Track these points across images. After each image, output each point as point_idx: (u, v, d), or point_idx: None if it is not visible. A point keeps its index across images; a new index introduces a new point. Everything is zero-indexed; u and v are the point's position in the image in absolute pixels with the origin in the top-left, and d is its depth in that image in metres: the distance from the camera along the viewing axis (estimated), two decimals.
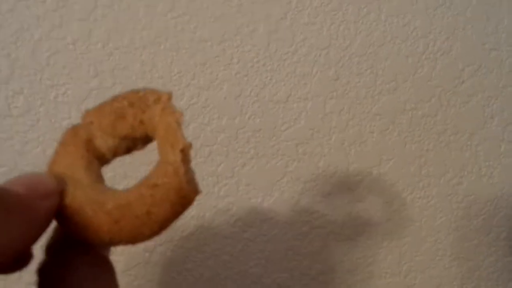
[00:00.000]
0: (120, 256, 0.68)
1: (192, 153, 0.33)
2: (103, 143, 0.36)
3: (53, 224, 0.32)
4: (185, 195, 0.32)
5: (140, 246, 0.69)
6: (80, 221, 0.32)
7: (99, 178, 0.35)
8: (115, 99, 0.37)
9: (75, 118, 0.64)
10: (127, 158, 0.38)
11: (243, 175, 0.71)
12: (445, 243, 0.81)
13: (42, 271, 0.33)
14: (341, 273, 0.77)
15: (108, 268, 0.34)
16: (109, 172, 0.43)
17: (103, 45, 0.64)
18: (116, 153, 0.36)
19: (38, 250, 0.33)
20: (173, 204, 0.32)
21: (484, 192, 0.82)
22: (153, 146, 0.35)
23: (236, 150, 0.70)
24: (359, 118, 0.74)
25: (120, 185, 0.47)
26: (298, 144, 0.72)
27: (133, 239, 0.32)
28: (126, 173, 0.67)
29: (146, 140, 0.36)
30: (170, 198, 0.32)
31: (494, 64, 0.79)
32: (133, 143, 0.36)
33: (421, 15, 0.75)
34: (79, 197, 0.32)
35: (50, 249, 0.34)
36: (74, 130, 0.36)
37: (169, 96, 0.34)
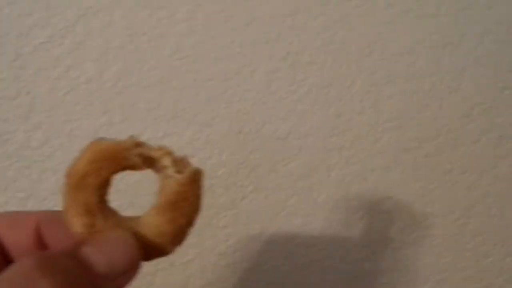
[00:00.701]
0: None
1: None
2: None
3: None
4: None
5: (142, 270, 0.76)
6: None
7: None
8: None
9: None
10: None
11: (242, 207, 0.77)
12: (451, 284, 0.83)
13: None
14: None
15: None
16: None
17: (113, 84, 0.72)
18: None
19: None
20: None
21: (494, 233, 0.83)
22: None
23: (236, 184, 0.76)
24: (361, 156, 0.78)
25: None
26: (298, 179, 0.77)
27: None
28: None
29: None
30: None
31: (506, 102, 0.80)
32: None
33: (427, 54, 0.77)
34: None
35: None
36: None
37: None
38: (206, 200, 0.76)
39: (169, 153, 0.39)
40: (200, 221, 0.75)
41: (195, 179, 0.39)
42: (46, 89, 0.71)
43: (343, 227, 0.79)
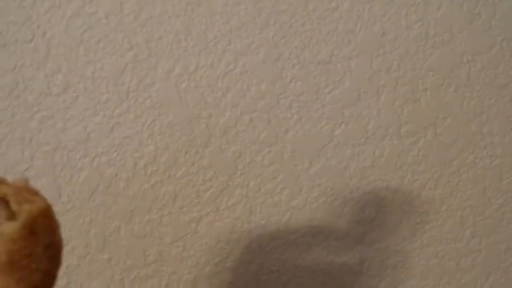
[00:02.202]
0: (166, 227, 0.76)
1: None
2: None
3: None
4: None
5: (186, 217, 0.76)
6: None
7: None
8: None
9: (113, 92, 0.71)
10: None
11: (287, 141, 0.76)
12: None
13: None
14: (397, 241, 0.81)
15: None
16: None
17: (135, 17, 0.70)
18: None
19: None
20: None
21: None
22: None
23: (278, 116, 0.75)
24: (410, 75, 0.76)
25: None
26: (345, 106, 0.76)
27: None
28: None
29: None
30: None
31: None
32: None
33: None
34: None
35: None
36: None
37: None
38: (248, 136, 0.76)
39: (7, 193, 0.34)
40: (241, 160, 0.76)
41: (32, 228, 0.33)
42: (62, 29, 0.69)
43: (396, 154, 0.78)
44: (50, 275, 0.36)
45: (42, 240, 0.34)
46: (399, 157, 0.79)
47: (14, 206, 0.34)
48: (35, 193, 0.37)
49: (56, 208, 0.73)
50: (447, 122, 0.79)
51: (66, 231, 0.76)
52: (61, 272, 0.73)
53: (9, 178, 0.42)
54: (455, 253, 0.84)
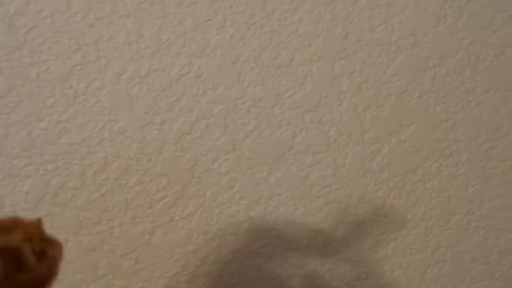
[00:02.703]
0: (117, 239, 0.73)
1: None
2: None
3: None
4: None
5: (138, 228, 0.73)
6: None
7: None
8: None
9: (60, 96, 0.68)
10: None
11: (245, 148, 0.74)
12: (478, 215, 0.83)
13: None
14: (360, 251, 0.80)
15: None
16: None
17: (83, 16, 0.67)
18: None
19: None
20: None
21: None
22: None
23: (235, 122, 0.73)
24: (374, 80, 0.75)
25: None
26: (305, 112, 0.74)
27: None
28: None
29: None
30: None
31: None
32: None
33: None
34: None
35: None
36: None
37: None
38: (204, 143, 0.73)
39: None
40: (197, 168, 0.74)
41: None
42: (4, 28, 0.66)
43: (359, 162, 0.77)
44: None
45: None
46: (362, 165, 0.77)
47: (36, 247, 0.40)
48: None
49: None
50: (412, 129, 0.78)
51: None
52: None
53: None
54: (420, 263, 0.83)
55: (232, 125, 0.72)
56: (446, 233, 0.82)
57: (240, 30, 0.70)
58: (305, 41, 0.72)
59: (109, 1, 0.66)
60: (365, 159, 0.77)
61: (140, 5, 0.67)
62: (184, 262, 0.75)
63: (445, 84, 0.77)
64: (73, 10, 0.66)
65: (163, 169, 0.72)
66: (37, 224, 0.41)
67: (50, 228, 0.72)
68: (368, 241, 0.80)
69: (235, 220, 0.75)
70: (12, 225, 0.40)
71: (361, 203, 0.78)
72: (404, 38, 0.75)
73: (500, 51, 0.78)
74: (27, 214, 0.70)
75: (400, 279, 0.83)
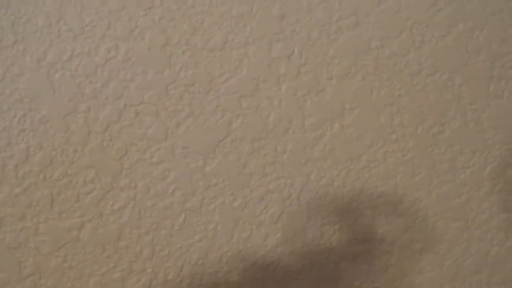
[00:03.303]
0: (43, 236, 0.70)
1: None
2: None
3: None
4: None
5: (66, 224, 0.70)
6: None
7: None
8: None
9: None
10: None
11: (178, 137, 0.71)
12: (426, 202, 0.82)
13: None
14: (304, 243, 0.78)
15: None
16: None
17: None
18: None
19: None
20: None
21: (471, 140, 0.81)
22: None
23: (167, 109, 0.70)
24: (314, 63, 0.73)
25: None
26: (242, 97, 0.72)
27: None
28: None
29: None
30: None
31: None
32: None
33: None
34: None
35: None
36: None
37: None
38: (133, 132, 0.70)
39: None
40: (127, 159, 0.71)
41: None
42: None
43: (300, 149, 0.75)
44: None
45: None
46: (303, 153, 0.75)
47: None
48: None
49: None
50: (355, 114, 0.76)
51: None
52: None
53: None
54: (366, 254, 0.82)
55: (164, 112, 0.69)
56: (392, 222, 0.81)
57: (169, 11, 0.67)
58: (239, 22, 0.69)
59: None
60: (307, 146, 0.75)
61: None
62: (117, 258, 0.72)
63: (388, 66, 0.75)
64: None
65: (90, 160, 0.69)
66: None
67: None
68: (311, 233, 0.78)
69: (170, 213, 0.73)
70: None
71: (304, 193, 0.76)
72: (345, 18, 0.73)
73: (446, 31, 0.76)
74: None
75: (346, 271, 0.81)
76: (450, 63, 0.77)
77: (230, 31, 0.69)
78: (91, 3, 0.65)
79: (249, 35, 0.70)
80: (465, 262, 0.85)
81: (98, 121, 0.68)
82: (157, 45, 0.67)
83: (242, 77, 0.71)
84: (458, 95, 0.78)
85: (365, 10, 0.73)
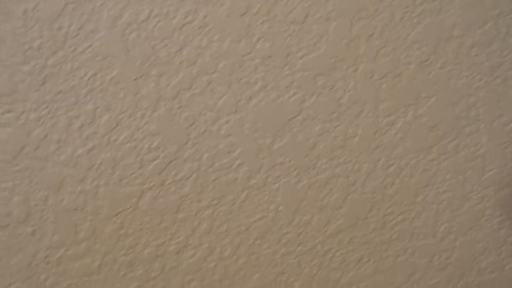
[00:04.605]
0: (102, 200, 0.69)
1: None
2: None
3: None
4: None
5: (126, 190, 0.69)
6: None
7: None
8: None
9: (48, 38, 0.63)
10: None
11: (249, 111, 0.70)
12: (494, 201, 0.80)
13: None
14: (364, 231, 0.77)
15: None
16: None
17: None
18: None
19: None
20: None
21: None
22: None
23: (240, 81, 0.69)
24: (393, 46, 0.71)
25: None
26: (317, 75, 0.70)
27: None
28: None
29: None
30: None
31: None
32: None
33: None
34: None
35: None
36: None
37: None
38: (204, 101, 0.69)
39: None
40: (194, 128, 0.70)
41: None
42: None
43: (370, 135, 0.73)
44: None
45: None
46: (373, 138, 0.74)
47: None
48: None
49: None
50: (430, 103, 0.74)
51: None
52: None
53: None
54: (427, 249, 0.80)
55: (237, 83, 0.68)
56: (457, 219, 0.79)
57: None
58: None
59: None
60: (378, 132, 0.74)
61: None
62: (174, 230, 0.72)
63: (469, 56, 0.73)
64: None
65: (157, 126, 0.68)
66: None
67: (29, 184, 0.69)
68: (373, 222, 0.77)
69: (232, 188, 0.72)
70: None
71: (369, 180, 0.75)
72: (429, 2, 0.71)
73: None
74: (4, 166, 0.66)
75: (404, 265, 0.80)
76: None
77: (312, 5, 0.67)
78: None
79: (332, 10, 0.68)
80: None
81: (169, 87, 0.67)
82: (236, 13, 0.66)
83: (320, 54, 0.69)
84: None
85: None
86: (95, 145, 0.67)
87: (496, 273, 0.82)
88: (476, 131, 0.76)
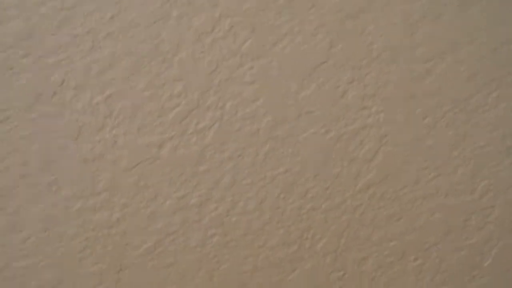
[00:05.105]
0: (121, 150, 0.67)
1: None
2: None
3: None
4: None
5: (145, 139, 0.67)
6: None
7: None
8: None
9: None
10: None
11: (274, 56, 0.67)
12: None
13: None
14: (397, 186, 0.73)
15: None
16: None
17: None
18: None
19: None
20: None
21: None
22: None
23: (265, 24, 0.65)
24: None
25: None
26: (346, 17, 0.66)
27: None
28: None
29: None
30: None
31: None
32: None
33: None
34: None
35: None
36: None
37: None
38: (226, 46, 0.66)
39: None
40: (217, 74, 0.67)
41: None
42: None
43: (405, 82, 0.69)
44: None
45: None
46: (407, 86, 0.69)
47: None
48: None
49: None
50: (470, 49, 0.69)
51: (2, 147, 0.68)
52: None
53: None
54: (464, 208, 0.76)
55: (261, 27, 0.65)
56: (497, 175, 0.75)
57: None
58: None
59: None
60: (413, 80, 0.69)
61: None
62: (195, 182, 0.69)
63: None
64: None
65: (179, 72, 0.65)
66: None
67: (46, 132, 0.67)
68: (406, 176, 0.73)
69: (256, 139, 0.69)
70: None
71: (403, 131, 0.71)
72: None
73: None
74: (21, 114, 0.64)
75: (439, 224, 0.76)
76: None
77: None
78: None
79: None
80: None
81: (191, 30, 0.64)
82: None
83: None
84: None
85: None
86: (113, 91, 0.65)
87: None
88: None
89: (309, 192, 0.71)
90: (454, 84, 0.70)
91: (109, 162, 0.66)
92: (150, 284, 0.71)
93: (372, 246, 0.75)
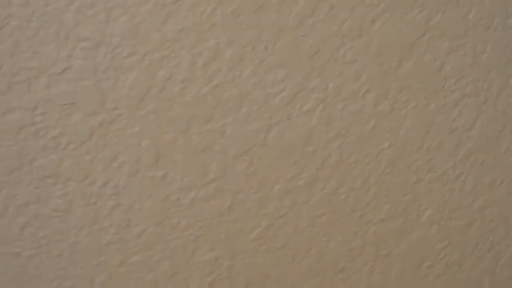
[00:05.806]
0: (230, 139, 0.69)
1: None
2: None
3: None
4: None
5: (253, 126, 0.69)
6: None
7: None
8: None
9: None
10: None
11: (373, 34, 0.68)
12: None
13: None
14: (497, 152, 0.75)
15: None
16: None
17: None
18: None
19: None
20: None
21: None
22: None
23: (363, 3, 0.67)
24: None
25: None
26: None
27: None
28: None
29: None
30: None
31: None
32: None
33: None
34: None
35: None
36: None
37: None
38: (327, 27, 0.68)
39: None
40: (319, 57, 0.69)
41: None
42: None
43: (502, 51, 0.71)
44: None
45: None
46: (504, 53, 0.71)
47: None
48: None
49: (100, 117, 0.66)
50: None
51: (113, 144, 0.70)
52: (108, 192, 0.67)
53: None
54: None
55: (360, 6, 0.66)
56: None
57: None
58: None
59: None
60: (508, 47, 0.71)
61: None
62: (303, 164, 0.71)
63: None
64: None
65: (281, 58, 0.67)
66: None
67: (157, 127, 0.69)
68: (506, 142, 0.75)
69: (360, 116, 0.70)
70: None
71: (501, 97, 0.73)
72: None
73: None
74: (130, 111, 0.66)
75: None
76: None
77: None
78: None
79: None
80: None
81: (291, 16, 0.65)
82: None
83: None
84: None
85: None
86: (219, 82, 0.66)
87: None
88: None
89: (413, 165, 0.73)
90: None
91: (218, 152, 0.68)
92: (262, 268, 0.73)
93: (475, 213, 0.77)
